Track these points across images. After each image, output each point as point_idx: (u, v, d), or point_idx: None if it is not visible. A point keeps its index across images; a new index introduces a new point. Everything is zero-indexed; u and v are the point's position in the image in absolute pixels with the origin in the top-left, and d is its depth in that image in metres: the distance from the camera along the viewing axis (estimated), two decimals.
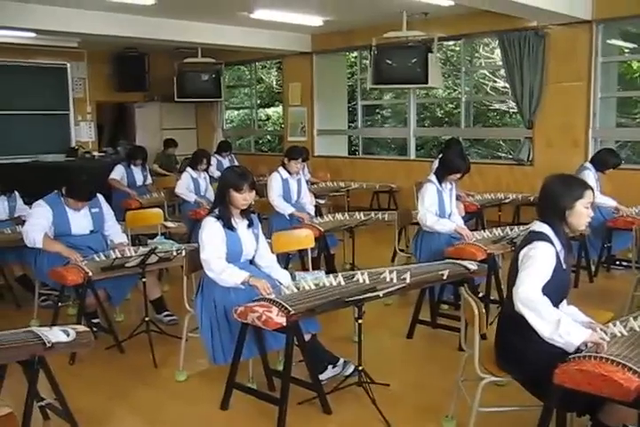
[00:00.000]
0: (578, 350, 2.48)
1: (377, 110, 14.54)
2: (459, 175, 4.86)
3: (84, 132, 11.65)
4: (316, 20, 8.98)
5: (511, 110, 12.66)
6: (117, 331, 4.32)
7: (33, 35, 8.85)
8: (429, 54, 8.20)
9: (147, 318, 4.25)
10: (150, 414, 3.49)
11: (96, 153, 11.19)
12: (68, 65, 11.32)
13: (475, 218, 6.86)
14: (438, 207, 4.82)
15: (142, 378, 3.89)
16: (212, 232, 3.47)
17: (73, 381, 3.48)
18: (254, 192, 3.56)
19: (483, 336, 2.85)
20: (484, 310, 2.77)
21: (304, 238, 4.49)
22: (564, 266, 2.74)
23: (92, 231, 4.57)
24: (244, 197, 3.49)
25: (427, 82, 8.26)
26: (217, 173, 8.47)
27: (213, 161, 7.75)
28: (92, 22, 8.04)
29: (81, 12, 7.87)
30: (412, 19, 8.34)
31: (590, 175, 5.78)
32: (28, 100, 10.82)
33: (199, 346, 3.67)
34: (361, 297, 3.27)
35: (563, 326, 2.48)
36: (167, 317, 4.71)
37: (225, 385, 3.41)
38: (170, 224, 5.69)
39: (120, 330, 4.37)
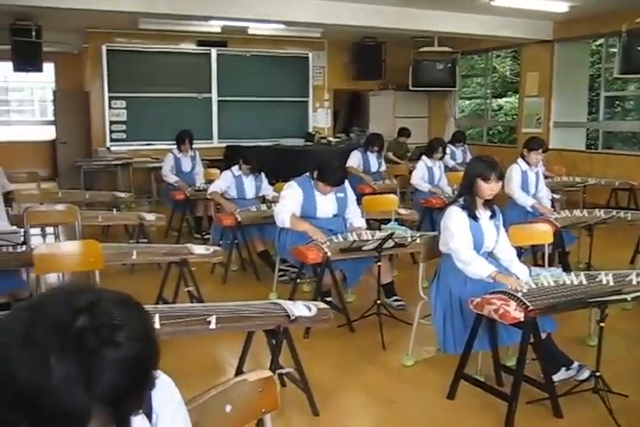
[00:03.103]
0: None
1: (616, 102, 13.55)
2: None
3: (320, 119, 12.22)
4: (561, 6, 8.56)
5: None
6: (349, 311, 4.48)
7: (282, 26, 9.42)
8: None
9: (378, 301, 4.35)
10: (377, 392, 3.59)
11: (331, 138, 11.67)
12: (310, 54, 11.91)
13: None
14: None
15: (370, 358, 4.01)
16: (459, 221, 3.47)
17: (306, 353, 3.66)
18: (500, 183, 3.51)
19: None
20: None
21: (542, 233, 4.34)
22: None
23: (334, 215, 4.75)
24: (491, 187, 3.46)
25: None
26: (451, 163, 8.45)
27: (447, 151, 7.73)
28: (338, 13, 8.32)
29: (327, 4, 8.17)
30: None
31: None
32: (275, 87, 11.60)
33: (428, 333, 3.72)
34: (607, 299, 3.11)
35: None
36: (396, 301, 4.80)
37: (453, 375, 3.40)
38: (403, 211, 5.78)
39: (351, 310, 4.51)
